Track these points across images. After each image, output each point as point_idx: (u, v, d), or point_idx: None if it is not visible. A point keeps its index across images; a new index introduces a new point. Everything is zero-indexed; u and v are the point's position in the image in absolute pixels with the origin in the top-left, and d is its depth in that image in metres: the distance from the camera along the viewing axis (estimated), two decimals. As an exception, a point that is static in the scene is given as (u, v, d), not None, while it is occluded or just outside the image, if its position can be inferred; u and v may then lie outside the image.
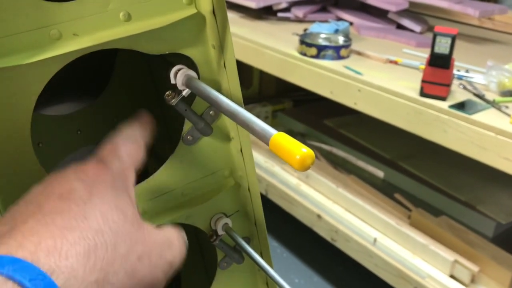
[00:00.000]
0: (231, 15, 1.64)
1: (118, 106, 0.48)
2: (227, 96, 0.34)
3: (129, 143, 0.33)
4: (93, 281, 0.26)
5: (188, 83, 0.35)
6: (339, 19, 1.58)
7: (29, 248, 0.25)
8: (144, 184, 0.38)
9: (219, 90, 0.37)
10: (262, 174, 1.53)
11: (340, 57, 1.29)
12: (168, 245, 0.31)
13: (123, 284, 0.27)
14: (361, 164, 1.52)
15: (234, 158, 0.41)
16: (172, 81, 0.35)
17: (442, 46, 1.06)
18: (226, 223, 0.42)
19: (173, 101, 0.35)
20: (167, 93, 0.36)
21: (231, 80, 0.37)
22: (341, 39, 1.34)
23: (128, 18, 0.33)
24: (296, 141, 0.26)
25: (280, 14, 1.59)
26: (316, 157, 1.57)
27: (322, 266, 1.52)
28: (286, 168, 1.54)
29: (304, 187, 1.46)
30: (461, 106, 1.05)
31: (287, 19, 1.59)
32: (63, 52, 0.32)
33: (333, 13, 1.61)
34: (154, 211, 0.39)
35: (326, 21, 1.51)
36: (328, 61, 1.28)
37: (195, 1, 0.35)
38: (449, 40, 1.05)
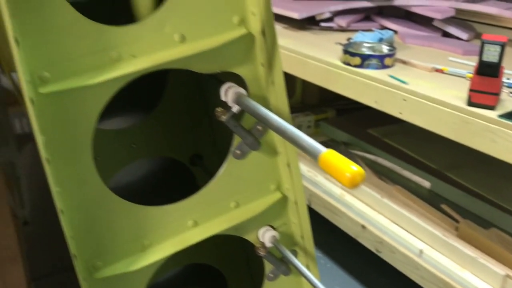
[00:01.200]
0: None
1: (169, 121, 0.51)
2: (275, 113, 0.35)
3: None
4: None
5: (238, 100, 0.36)
6: (383, 27, 1.57)
7: None
8: (195, 196, 0.40)
9: (267, 106, 0.38)
10: (305, 184, 1.53)
11: (384, 66, 1.29)
12: None
13: None
14: (407, 174, 1.49)
15: (281, 172, 0.42)
16: (223, 98, 0.37)
17: (491, 54, 1.03)
18: (274, 236, 0.43)
19: (223, 117, 0.37)
20: (218, 109, 0.37)
21: (279, 96, 0.38)
22: (385, 48, 1.33)
23: (183, 39, 0.35)
24: (346, 159, 0.27)
25: (323, 24, 1.59)
26: (362, 167, 1.56)
27: (367, 277, 1.51)
28: (330, 178, 1.53)
29: (348, 198, 1.45)
30: (511, 115, 1.02)
31: (330, 29, 1.59)
32: (123, 74, 0.34)
33: (377, 21, 1.61)
34: (205, 223, 0.41)
35: (369, 30, 1.50)
36: (372, 70, 1.27)
37: (245, 22, 0.36)
38: (498, 48, 1.02)
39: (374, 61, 1.28)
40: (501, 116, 1.02)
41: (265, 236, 0.43)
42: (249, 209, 0.42)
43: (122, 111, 0.50)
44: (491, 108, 1.05)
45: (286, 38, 1.53)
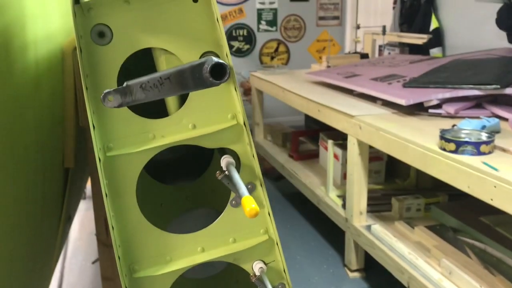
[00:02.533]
0: (384, 111, 1.77)
1: (214, 183, 0.69)
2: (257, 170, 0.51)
3: None
4: None
5: (227, 166, 0.53)
6: (495, 115, 1.58)
7: None
8: (204, 230, 0.57)
9: (253, 169, 0.54)
10: (405, 266, 1.55)
11: (480, 153, 1.31)
12: None
13: None
14: (516, 266, 1.42)
15: (267, 220, 0.57)
16: (221, 164, 0.54)
17: None
18: (261, 268, 0.57)
19: (219, 177, 0.54)
20: (217, 172, 0.55)
21: (256, 166, 0.54)
22: (483, 135, 1.35)
23: (194, 127, 0.55)
24: (251, 199, 0.42)
25: (431, 111, 1.66)
26: (466, 254, 1.52)
27: None
28: (430, 261, 1.53)
29: (446, 283, 1.43)
30: None
31: (438, 115, 1.65)
32: (155, 146, 0.54)
33: (488, 109, 1.62)
34: (211, 250, 0.57)
35: (477, 118, 1.53)
36: (467, 156, 1.30)
37: (236, 117, 0.55)
38: None
39: (469, 148, 1.31)
40: None
41: (256, 267, 0.57)
42: (244, 244, 0.57)
43: (180, 174, 0.71)
44: None
45: (392, 122, 1.63)
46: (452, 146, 1.34)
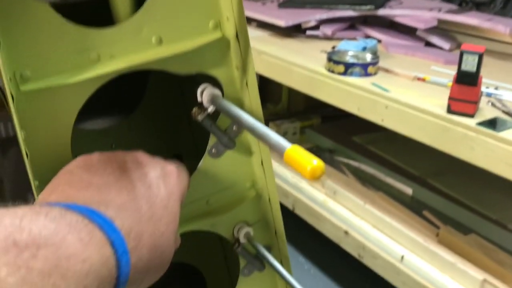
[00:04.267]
0: (261, 34, 1.68)
1: (149, 122, 0.52)
2: (249, 113, 0.37)
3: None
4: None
5: (213, 100, 0.38)
6: (368, 36, 1.60)
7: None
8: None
9: (241, 107, 0.39)
10: (289, 190, 1.55)
11: (367, 74, 1.31)
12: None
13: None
14: (390, 181, 1.52)
15: (256, 171, 0.44)
16: (199, 99, 0.39)
17: (469, 63, 1.06)
18: (247, 232, 0.45)
19: (199, 117, 0.38)
20: (194, 109, 0.39)
21: (253, 98, 0.40)
22: (368, 57, 1.35)
23: (160, 42, 0.37)
24: (309, 154, 0.29)
25: (309, 32, 1.62)
26: (344, 173, 1.58)
27: (349, 283, 1.52)
28: (313, 184, 1.55)
29: (332, 203, 1.47)
30: (489, 123, 1.05)
31: (315, 37, 1.62)
32: (101, 74, 0.36)
33: (362, 30, 1.63)
34: (181, 219, 0.42)
35: (354, 39, 1.53)
36: (356, 78, 1.30)
37: (220, 27, 0.38)
38: (476, 58, 1.05)
39: (357, 69, 1.31)
40: (479, 124, 1.04)
41: (240, 232, 0.44)
42: (225, 206, 0.44)
43: (103, 112, 0.52)
44: (470, 116, 1.08)
45: (271, 45, 1.56)
46: (341, 68, 1.32)
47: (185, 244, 0.63)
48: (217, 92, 0.38)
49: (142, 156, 0.36)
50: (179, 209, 0.35)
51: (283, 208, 1.55)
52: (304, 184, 1.55)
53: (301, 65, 1.40)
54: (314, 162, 0.28)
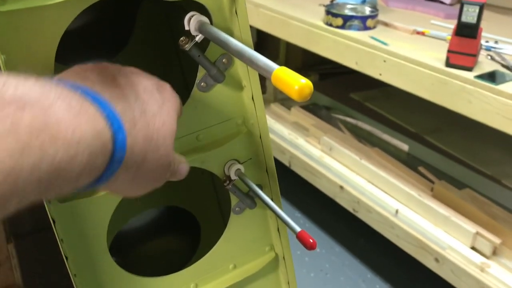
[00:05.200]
0: (259, -13, 1.64)
1: (139, 59, 0.51)
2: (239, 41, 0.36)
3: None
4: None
5: (200, 28, 0.36)
6: (368, -10, 1.56)
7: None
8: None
9: (231, 36, 0.38)
10: (286, 146, 1.55)
11: (366, 28, 1.29)
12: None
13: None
14: (386, 137, 1.52)
15: (246, 106, 0.43)
16: (186, 27, 0.37)
17: (470, 15, 1.04)
18: (238, 169, 0.44)
19: (186, 46, 0.37)
20: (181, 38, 0.38)
21: (242, 26, 0.38)
22: (367, 10, 1.32)
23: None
24: (296, 74, 0.28)
25: (307, -14, 1.57)
26: (341, 130, 1.58)
27: (344, 237, 1.54)
28: (310, 140, 1.55)
29: (328, 159, 1.47)
30: (487, 76, 1.03)
31: (314, -9, 1.58)
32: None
33: (362, -16, 1.59)
34: (170, 154, 0.42)
35: (353, -8, 1.49)
36: (354, 32, 1.27)
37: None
38: (476, 9, 1.03)
39: (356, 22, 1.28)
40: (477, 77, 1.03)
41: (231, 169, 0.44)
42: (215, 142, 0.43)
43: (91, 50, 0.50)
44: (469, 69, 1.06)
45: (269, -1, 1.52)
46: (339, 21, 1.29)
47: (177, 189, 0.63)
48: (204, 19, 0.37)
49: (137, 69, 0.36)
50: (174, 118, 0.34)
51: (280, 164, 1.56)
52: (301, 141, 1.55)
53: (299, 19, 1.37)
54: (302, 81, 0.27)
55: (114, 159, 0.28)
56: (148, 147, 0.31)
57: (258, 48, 2.13)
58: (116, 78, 0.33)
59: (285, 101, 1.75)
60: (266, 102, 1.75)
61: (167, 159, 0.33)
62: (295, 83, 0.27)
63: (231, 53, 0.34)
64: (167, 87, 0.36)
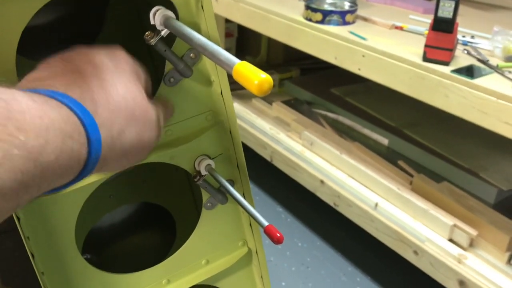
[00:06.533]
0: (239, -18, 1.63)
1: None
2: (205, 37, 0.35)
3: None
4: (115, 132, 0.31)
5: (166, 22, 0.36)
6: (347, -15, 1.56)
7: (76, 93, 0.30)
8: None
9: (198, 31, 0.38)
10: (267, 141, 1.55)
11: (345, 23, 1.29)
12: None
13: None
14: (366, 132, 1.53)
15: (215, 101, 0.43)
16: (152, 22, 0.37)
17: (446, 10, 1.05)
18: (209, 164, 0.44)
19: (152, 40, 0.37)
20: (147, 33, 0.37)
21: (209, 21, 0.38)
22: (346, 5, 1.33)
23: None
24: (257, 69, 0.28)
25: (287, -19, 1.57)
26: (322, 124, 1.58)
27: (325, 231, 1.55)
28: (291, 135, 1.55)
29: (308, 154, 1.47)
30: (463, 71, 1.05)
31: (294, -14, 1.58)
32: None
33: (341, -21, 1.59)
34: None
35: (333, -13, 1.50)
36: (333, 27, 1.28)
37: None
38: (452, 4, 1.04)
39: (335, 17, 1.28)
40: (454, 71, 1.04)
41: (201, 165, 0.44)
42: (184, 137, 0.43)
43: (60, 44, 0.50)
44: (446, 63, 1.07)
45: (249, -7, 1.52)
46: (318, 16, 1.29)
47: (152, 185, 0.63)
48: (170, 13, 0.37)
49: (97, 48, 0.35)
50: (136, 82, 0.34)
51: (262, 159, 1.56)
52: (282, 136, 1.56)
53: (279, 13, 1.37)
54: (261, 76, 0.27)
55: (91, 139, 0.29)
56: (120, 119, 0.31)
57: (239, 43, 2.12)
58: (68, 65, 0.33)
59: (267, 96, 1.76)
60: (248, 97, 1.75)
61: (147, 116, 0.33)
62: (255, 78, 0.27)
63: (195, 47, 0.34)
64: (121, 55, 0.35)
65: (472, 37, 1.21)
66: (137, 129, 0.32)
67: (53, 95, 0.29)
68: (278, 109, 1.66)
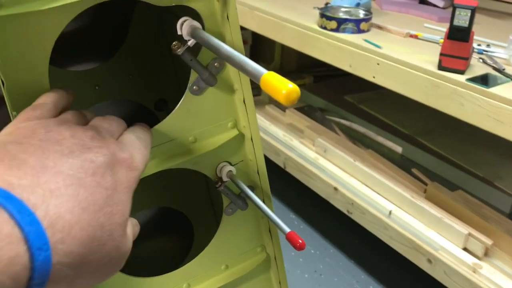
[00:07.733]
0: (254, -10, 1.65)
1: (133, 63, 0.52)
2: (229, 45, 0.36)
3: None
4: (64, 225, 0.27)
5: (192, 33, 0.37)
6: (362, -7, 1.57)
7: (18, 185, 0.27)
8: (153, 130, 0.41)
9: (223, 41, 0.39)
10: (280, 148, 1.56)
11: (360, 31, 1.30)
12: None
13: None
14: (380, 139, 1.53)
15: (238, 109, 0.44)
16: (179, 32, 0.38)
17: (462, 18, 1.05)
18: (230, 171, 0.45)
19: (179, 50, 0.38)
20: (174, 43, 0.38)
21: (234, 31, 0.39)
22: (361, 13, 1.34)
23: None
24: (284, 79, 0.29)
25: (302, -11, 1.59)
26: (335, 131, 1.59)
27: (338, 238, 1.55)
28: (305, 142, 1.56)
29: (322, 161, 1.48)
30: (479, 79, 1.05)
31: (309, -6, 1.59)
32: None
33: (356, -13, 1.60)
34: (163, 156, 0.42)
35: (348, -4, 1.50)
36: (348, 35, 1.28)
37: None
38: (468, 13, 1.04)
39: (350, 25, 1.29)
40: (469, 79, 1.04)
41: (223, 171, 0.45)
42: (207, 144, 0.44)
43: (85, 53, 0.51)
44: (461, 72, 1.08)
45: (264, 1, 1.53)
46: (333, 24, 1.30)
47: (171, 190, 0.64)
48: (196, 24, 0.38)
49: (92, 131, 0.31)
50: (128, 200, 0.32)
51: (275, 166, 1.56)
52: (296, 143, 1.56)
53: (294, 21, 1.38)
54: (289, 86, 0.28)
55: (32, 282, 0.25)
56: (89, 249, 0.28)
57: (253, 50, 2.14)
58: (62, 158, 0.29)
59: (280, 103, 1.76)
60: (261, 104, 1.76)
61: (117, 249, 0.31)
62: (283, 87, 0.28)
63: (222, 58, 0.35)
64: (125, 162, 0.32)
65: (488, 45, 1.21)
66: (98, 266, 0.29)
67: (16, 216, 0.25)
68: (292, 116, 1.67)
